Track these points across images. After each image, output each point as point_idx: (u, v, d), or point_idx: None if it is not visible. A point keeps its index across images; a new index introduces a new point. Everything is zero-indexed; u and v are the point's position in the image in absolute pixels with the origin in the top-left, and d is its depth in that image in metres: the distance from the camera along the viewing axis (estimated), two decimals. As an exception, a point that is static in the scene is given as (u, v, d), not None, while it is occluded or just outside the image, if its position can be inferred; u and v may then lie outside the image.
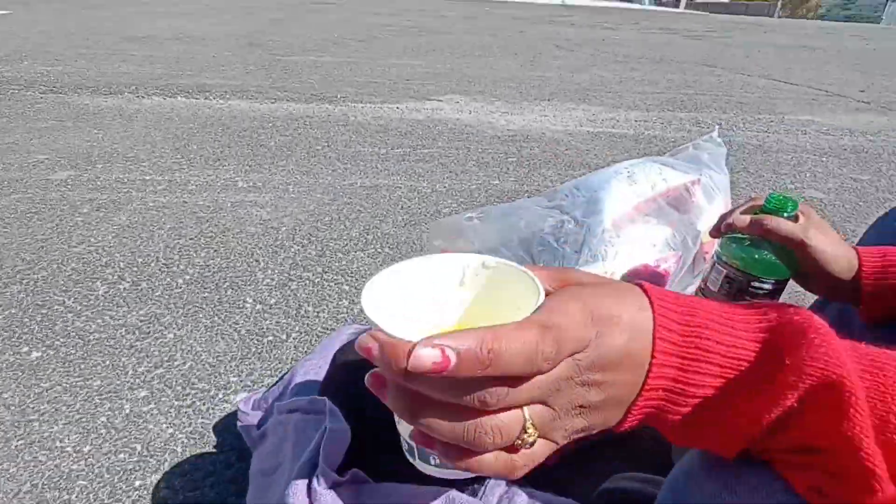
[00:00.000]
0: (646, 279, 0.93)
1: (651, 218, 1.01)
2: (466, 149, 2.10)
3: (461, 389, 0.24)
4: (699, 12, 22.39)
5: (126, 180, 1.60)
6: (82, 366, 0.86)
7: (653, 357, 0.27)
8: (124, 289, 1.07)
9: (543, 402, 0.26)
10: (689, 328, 0.28)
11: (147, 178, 1.64)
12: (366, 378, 0.27)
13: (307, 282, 1.14)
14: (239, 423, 0.67)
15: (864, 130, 2.75)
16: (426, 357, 0.23)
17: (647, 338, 0.27)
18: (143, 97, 2.59)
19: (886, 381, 0.26)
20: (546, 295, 0.29)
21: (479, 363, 0.23)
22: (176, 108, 2.43)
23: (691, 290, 0.98)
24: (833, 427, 0.25)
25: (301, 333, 0.97)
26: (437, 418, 0.25)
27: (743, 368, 0.27)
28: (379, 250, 1.29)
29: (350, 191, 1.62)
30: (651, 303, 0.28)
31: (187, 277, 1.12)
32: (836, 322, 0.75)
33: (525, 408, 0.26)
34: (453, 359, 0.23)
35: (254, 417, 0.66)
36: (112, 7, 7.06)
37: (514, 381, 0.25)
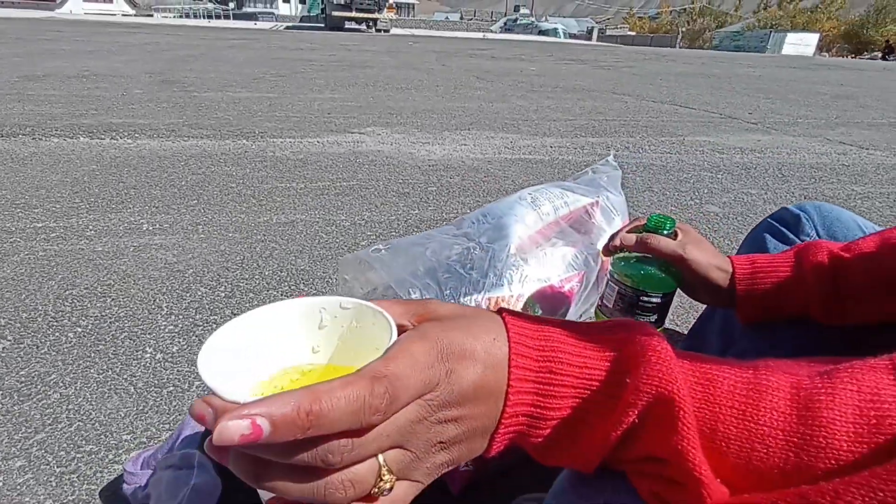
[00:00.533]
0: (551, 300, 0.96)
1: (555, 240, 1.05)
2: (387, 180, 2.11)
3: (298, 451, 0.23)
4: (609, 44, 24.05)
5: (13, 229, 1.48)
6: (-54, 439, 0.77)
7: (509, 385, 0.28)
8: (3, 348, 0.97)
9: (400, 447, 0.26)
10: (544, 353, 0.29)
11: (39, 225, 1.52)
12: (205, 444, 0.26)
13: (214, 325, 1.08)
14: (124, 486, 0.61)
15: (753, 149, 3.02)
16: (233, 429, 0.21)
17: (503, 367, 0.28)
18: (39, 139, 2.43)
19: (715, 392, 0.28)
20: (405, 331, 0.29)
21: (297, 427, 0.22)
22: (77, 150, 2.29)
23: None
24: (666, 439, 0.27)
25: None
26: (284, 480, 0.24)
27: (594, 388, 0.28)
28: (293, 287, 1.26)
29: (265, 228, 1.58)
30: (507, 331, 0.29)
31: (79, 331, 1.04)
32: (721, 325, 0.80)
33: (380, 455, 0.26)
34: (266, 427, 0.21)
35: (142, 477, 0.61)
36: (8, 45, 6.64)
37: (356, 433, 0.24)
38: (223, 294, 1.21)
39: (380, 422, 0.24)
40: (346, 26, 23.43)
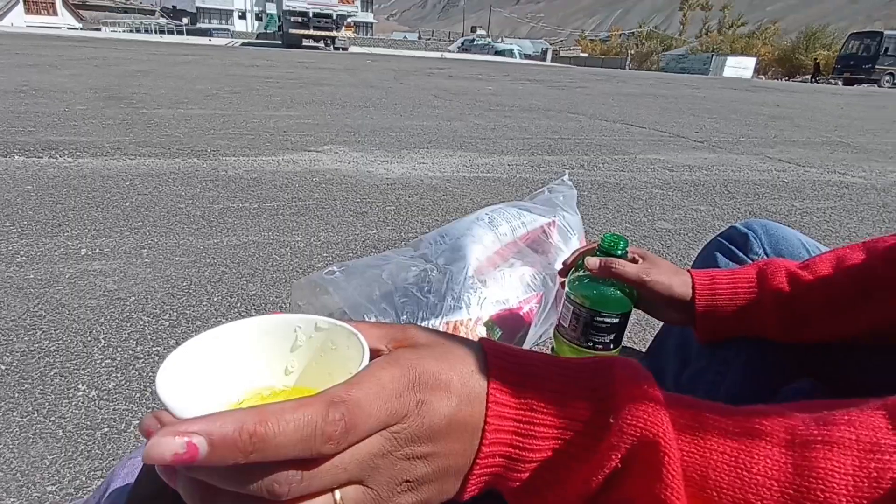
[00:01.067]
0: (510, 322, 0.95)
1: (513, 260, 1.04)
2: (344, 199, 2.07)
3: (244, 478, 0.21)
4: (563, 65, 24.86)
5: (-68, 256, 1.36)
6: None
7: (486, 423, 0.26)
8: (-87, 391, 0.88)
9: (360, 482, 0.24)
10: (525, 389, 0.27)
11: (-38, 251, 1.40)
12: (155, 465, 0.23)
13: (156, 357, 1.02)
14: (45, 547, 0.55)
15: (700, 166, 3.15)
16: (165, 446, 0.19)
17: (480, 402, 0.26)
18: (-33, 158, 2.27)
19: (706, 437, 0.26)
20: (379, 356, 0.27)
21: (238, 451, 0.20)
22: (10, 169, 2.15)
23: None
24: (649, 487, 0.25)
25: (145, 419, 0.85)
26: None
27: (577, 430, 0.26)
28: (244, 313, 1.20)
29: (214, 251, 1.51)
30: (488, 364, 0.27)
31: (2, 368, 0.95)
32: (679, 344, 0.80)
33: (337, 490, 0.23)
34: (202, 448, 0.19)
35: (65, 536, 0.55)
36: (-62, 58, 6.27)
37: (308, 464, 0.22)
38: (167, 323, 1.14)
39: (333, 452, 0.22)
40: (304, 44, 23.32)
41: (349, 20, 24.39)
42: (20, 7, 38.87)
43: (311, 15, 22.02)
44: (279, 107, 4.39)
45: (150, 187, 2.05)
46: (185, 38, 24.27)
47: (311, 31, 22.49)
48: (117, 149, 2.61)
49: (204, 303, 1.23)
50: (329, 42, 23.31)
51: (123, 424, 0.84)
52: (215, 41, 22.84)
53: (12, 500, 0.70)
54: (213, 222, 1.73)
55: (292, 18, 22.27)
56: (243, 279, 1.36)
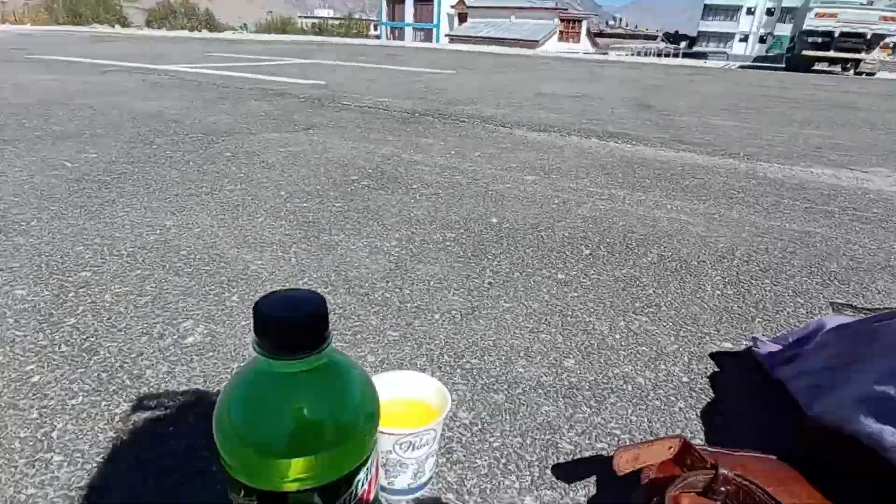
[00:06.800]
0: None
1: None
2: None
3: None
4: None
5: (574, 188, 2.03)
6: None
7: None
8: (599, 257, 1.39)
9: None
10: None
11: (592, 189, 2.03)
12: None
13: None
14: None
15: None
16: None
17: None
18: (565, 136, 3.17)
19: None
20: None
21: None
22: (594, 147, 2.89)
23: None
24: None
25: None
26: None
27: None
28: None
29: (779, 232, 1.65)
30: None
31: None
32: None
33: None
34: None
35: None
36: (510, 74, 8.67)
37: None
38: (755, 271, 1.36)
39: None
40: (816, 67, 20.53)
41: (888, 40, 19.84)
42: (556, 36, 49.10)
43: (835, 35, 19.07)
44: (803, 125, 4.15)
45: (701, 174, 2.37)
46: (680, 61, 25.28)
47: (830, 53, 19.52)
48: (661, 143, 3.09)
49: (782, 267, 1.40)
50: (850, 65, 19.74)
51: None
52: (710, 63, 22.88)
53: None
54: (770, 211, 1.88)
55: (809, 39, 19.86)
56: None
